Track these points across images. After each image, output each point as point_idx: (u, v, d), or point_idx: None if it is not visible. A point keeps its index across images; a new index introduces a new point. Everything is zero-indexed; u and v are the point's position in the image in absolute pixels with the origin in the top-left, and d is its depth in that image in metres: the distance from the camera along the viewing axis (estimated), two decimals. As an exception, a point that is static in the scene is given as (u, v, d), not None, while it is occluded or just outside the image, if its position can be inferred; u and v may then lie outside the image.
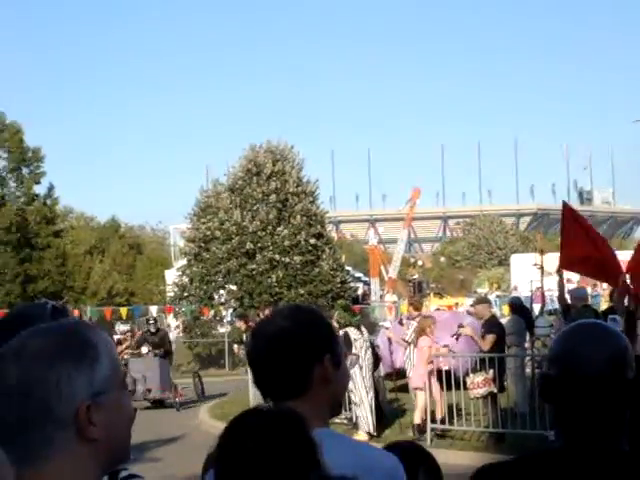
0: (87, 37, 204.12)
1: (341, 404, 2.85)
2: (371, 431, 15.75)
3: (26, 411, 1.74)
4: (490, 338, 15.18)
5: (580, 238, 13.50)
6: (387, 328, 20.06)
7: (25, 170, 50.21)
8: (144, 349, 23.79)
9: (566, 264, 14.35)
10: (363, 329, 17.22)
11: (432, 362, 15.64)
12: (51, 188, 51.18)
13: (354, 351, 16.09)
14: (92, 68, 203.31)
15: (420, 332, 15.93)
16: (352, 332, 16.53)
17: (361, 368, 16.10)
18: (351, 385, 16.01)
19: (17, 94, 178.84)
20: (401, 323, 18.32)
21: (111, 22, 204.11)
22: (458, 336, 16.10)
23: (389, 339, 18.51)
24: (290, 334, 2.67)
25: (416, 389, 15.85)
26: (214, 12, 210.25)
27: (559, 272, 14.66)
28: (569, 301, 14.92)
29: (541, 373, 2.85)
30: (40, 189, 50.86)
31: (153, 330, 24.45)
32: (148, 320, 26.02)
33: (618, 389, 2.39)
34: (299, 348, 2.64)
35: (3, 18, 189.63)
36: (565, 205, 14.62)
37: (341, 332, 16.55)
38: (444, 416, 15.54)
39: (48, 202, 51.20)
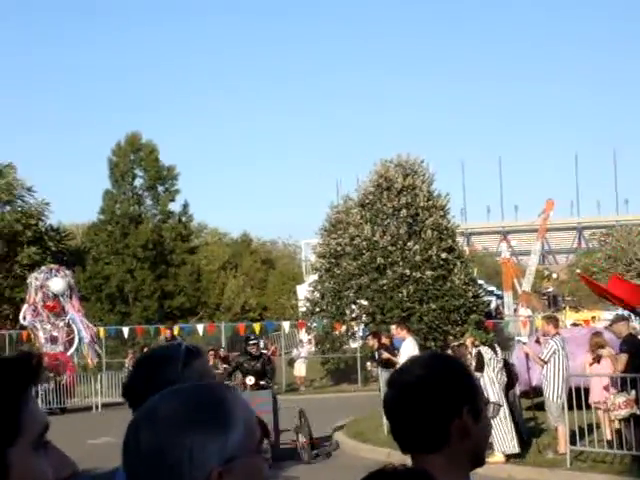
0: (214, 53, 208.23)
1: (484, 455, 2.67)
2: (507, 451, 15.44)
3: (158, 477, 1.74)
4: (622, 358, 14.73)
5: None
6: (524, 343, 19.52)
7: (160, 188, 51.54)
8: (249, 380, 18.22)
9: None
10: (497, 347, 16.90)
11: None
12: (186, 205, 52.44)
13: (487, 370, 15.87)
14: (221, 84, 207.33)
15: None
16: (485, 352, 16.24)
17: (494, 385, 15.87)
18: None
19: (151, 113, 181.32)
20: (538, 342, 17.80)
21: (242, 41, 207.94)
22: (599, 358, 15.66)
23: (526, 355, 18.08)
24: (428, 385, 2.56)
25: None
26: (343, 31, 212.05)
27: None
28: None
29: None
30: (175, 206, 52.11)
31: (255, 353, 18.89)
32: (248, 339, 20.17)
33: None
34: (437, 400, 2.52)
35: (134, 38, 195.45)
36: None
37: (474, 351, 16.30)
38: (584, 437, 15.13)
39: (183, 219, 52.36)
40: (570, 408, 15.33)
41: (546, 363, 15.78)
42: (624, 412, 14.01)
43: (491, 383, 15.91)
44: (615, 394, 14.49)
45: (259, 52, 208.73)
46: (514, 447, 15.59)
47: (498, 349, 16.92)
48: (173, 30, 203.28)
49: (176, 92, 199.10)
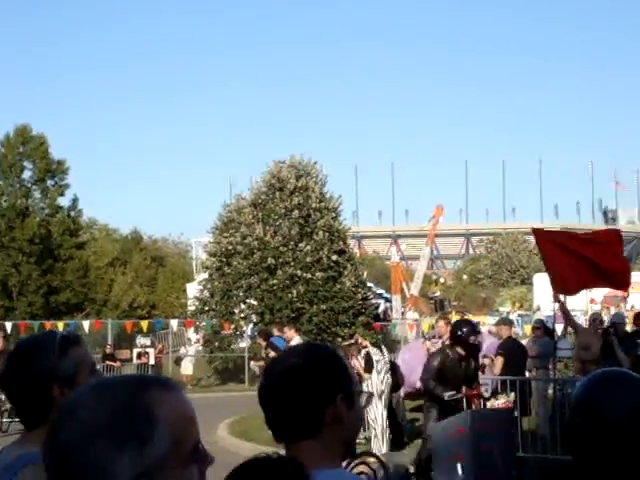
0: (108, 49, 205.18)
1: (354, 444, 2.74)
2: (381, 452, 15.62)
3: (63, 476, 1.66)
4: (499, 360, 15.08)
5: (560, 256, 13.46)
6: (429, 339, 19.57)
7: (50, 182, 50.54)
8: None
9: (561, 288, 14.30)
10: (384, 349, 17.09)
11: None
12: (75, 200, 51.52)
13: (375, 371, 16.04)
14: (115, 79, 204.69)
15: None
16: (374, 352, 16.41)
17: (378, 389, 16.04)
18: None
19: (41, 106, 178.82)
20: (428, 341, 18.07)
21: (136, 33, 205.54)
22: (483, 368, 15.97)
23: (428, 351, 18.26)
24: (302, 372, 2.59)
25: None
26: (237, 26, 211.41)
27: (556, 299, 14.66)
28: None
29: (565, 421, 2.76)
30: (64, 201, 51.22)
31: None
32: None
33: None
34: (311, 387, 2.56)
35: (23, 29, 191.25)
36: (535, 231, 14.70)
37: (363, 352, 16.46)
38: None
39: (72, 214, 51.50)
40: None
41: None
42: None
43: (377, 384, 16.09)
44: (495, 396, 14.80)
45: (151, 40, 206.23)
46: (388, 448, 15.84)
47: (385, 351, 17.09)
48: (62, 19, 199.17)
49: (67, 84, 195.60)
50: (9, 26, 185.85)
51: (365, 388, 15.89)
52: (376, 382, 16.05)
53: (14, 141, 49.45)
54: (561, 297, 15.43)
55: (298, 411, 2.56)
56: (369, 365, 16.11)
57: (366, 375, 15.98)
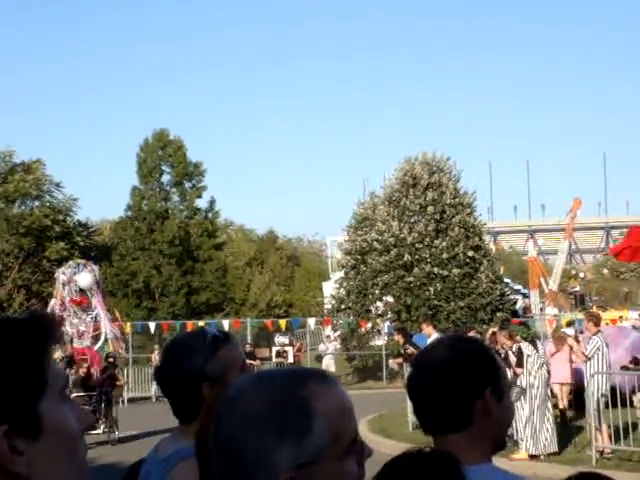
0: (243, 50, 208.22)
1: (505, 438, 2.71)
2: (532, 452, 15.39)
3: (225, 469, 1.72)
4: None
5: None
6: (570, 336, 19.22)
7: (187, 184, 51.62)
8: None
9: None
10: (539, 345, 16.74)
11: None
12: (212, 202, 52.49)
13: (528, 367, 15.82)
14: (248, 81, 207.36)
15: None
16: (526, 348, 16.15)
17: (532, 386, 15.82)
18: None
19: (179, 110, 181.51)
20: (577, 340, 17.65)
21: (273, 39, 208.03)
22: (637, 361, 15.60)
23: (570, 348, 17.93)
24: (452, 365, 2.59)
25: None
26: (362, 26, 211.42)
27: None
28: None
29: None
30: (202, 203, 52.23)
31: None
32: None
33: None
34: (460, 380, 2.56)
35: (155, 30, 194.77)
36: None
37: (514, 347, 16.24)
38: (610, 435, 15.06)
39: (209, 215, 52.42)
40: (607, 406, 15.30)
41: (589, 359, 15.71)
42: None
43: (529, 379, 15.89)
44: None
45: (283, 50, 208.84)
46: (548, 446, 15.56)
47: (540, 345, 16.78)
48: (198, 29, 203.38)
49: (204, 89, 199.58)
50: (142, 29, 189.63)
51: (517, 383, 15.76)
52: (527, 378, 15.85)
53: (153, 146, 50.66)
54: None
55: (447, 403, 2.55)
56: (520, 360, 15.90)
57: (518, 370, 15.80)
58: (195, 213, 51.65)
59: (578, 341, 17.10)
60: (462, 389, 2.55)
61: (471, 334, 17.19)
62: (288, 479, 1.65)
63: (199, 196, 51.93)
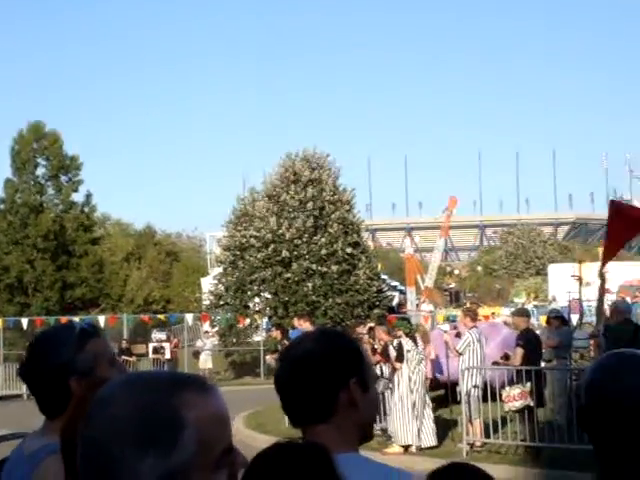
0: (122, 45, 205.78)
1: (372, 428, 2.76)
2: (407, 443, 15.63)
3: (89, 471, 1.66)
4: (518, 351, 15.06)
5: (626, 222, 13.37)
6: (445, 331, 19.53)
7: (64, 178, 50.66)
8: None
9: (610, 255, 14.24)
10: (419, 340, 16.96)
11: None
12: (89, 195, 51.59)
13: (407, 361, 16.01)
14: (128, 75, 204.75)
15: None
16: (406, 343, 16.31)
17: (410, 380, 16.02)
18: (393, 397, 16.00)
19: (55, 102, 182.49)
20: (458, 335, 17.95)
21: (150, 34, 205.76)
22: (507, 357, 15.97)
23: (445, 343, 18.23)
24: (314, 357, 2.63)
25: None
26: (259, 24, 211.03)
27: (601, 275, 14.47)
28: (607, 314, 14.75)
29: (578, 403, 2.79)
30: (78, 197, 51.32)
31: None
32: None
33: None
34: (324, 372, 2.59)
35: (36, 26, 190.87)
36: (613, 202, 14.59)
37: (395, 342, 16.41)
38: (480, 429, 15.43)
39: (85, 209, 51.57)
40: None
41: (461, 355, 16.01)
42: (518, 403, 14.29)
43: (408, 374, 16.08)
44: (510, 386, 14.81)
45: (168, 40, 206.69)
46: (428, 440, 15.83)
47: (420, 341, 17.00)
48: (79, 18, 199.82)
49: (81, 80, 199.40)
50: (22, 24, 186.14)
51: (396, 379, 15.96)
52: (407, 373, 16.05)
53: (28, 138, 49.56)
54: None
55: (311, 395, 2.59)
56: (400, 355, 16.07)
57: (398, 365, 15.98)
58: (71, 207, 50.69)
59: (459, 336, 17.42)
60: (325, 380, 2.59)
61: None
62: None
63: (75, 190, 50.96)
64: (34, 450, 2.92)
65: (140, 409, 1.64)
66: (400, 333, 16.59)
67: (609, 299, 21.46)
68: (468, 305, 42.94)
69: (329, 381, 2.59)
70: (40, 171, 50.28)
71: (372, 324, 21.37)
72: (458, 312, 18.36)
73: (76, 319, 33.64)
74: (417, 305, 55.02)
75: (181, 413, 1.64)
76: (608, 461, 2.36)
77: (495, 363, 16.85)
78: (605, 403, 2.34)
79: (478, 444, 15.25)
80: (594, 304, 17.33)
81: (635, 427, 2.29)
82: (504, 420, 15.35)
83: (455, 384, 16.88)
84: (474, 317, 17.29)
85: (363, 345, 3.19)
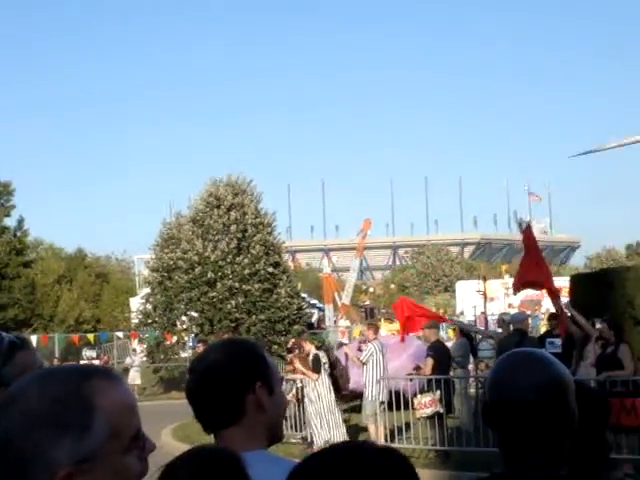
0: (52, 64, 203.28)
1: (280, 429, 2.80)
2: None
3: (12, 460, 1.62)
4: (429, 362, 15.25)
5: (535, 262, 13.71)
6: (345, 344, 19.80)
7: (-4, 203, 49.73)
8: None
9: (520, 285, 14.54)
10: (324, 353, 17.10)
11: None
12: (21, 220, 50.75)
13: (323, 371, 16.08)
14: (59, 101, 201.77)
15: None
16: (322, 356, 16.41)
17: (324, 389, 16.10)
18: (311, 406, 16.03)
19: None
20: (360, 349, 18.10)
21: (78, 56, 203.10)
22: (418, 368, 16.16)
23: (345, 355, 18.37)
24: (220, 366, 2.66)
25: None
26: (184, 54, 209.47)
27: (516, 292, 14.75)
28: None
29: (481, 399, 2.88)
30: (10, 221, 50.44)
31: None
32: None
33: (552, 416, 2.31)
34: (228, 379, 2.62)
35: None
36: (528, 228, 14.97)
37: (312, 355, 16.47)
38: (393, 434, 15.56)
39: (18, 234, 50.70)
40: (391, 408, 15.74)
41: (364, 364, 16.14)
42: (429, 410, 14.45)
43: (322, 384, 16.15)
44: (422, 394, 14.97)
45: (99, 63, 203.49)
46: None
47: (325, 355, 17.09)
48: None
49: (13, 107, 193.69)
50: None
51: (311, 389, 16.01)
52: (326, 382, 16.12)
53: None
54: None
55: (219, 401, 2.60)
56: (317, 366, 16.13)
57: (314, 376, 16.03)
58: (3, 232, 49.86)
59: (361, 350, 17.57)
60: (231, 386, 2.61)
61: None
62: (65, 476, 1.60)
63: (7, 215, 50.20)
64: None
65: (52, 400, 1.63)
66: (312, 346, 16.73)
67: (509, 313, 21.87)
68: (382, 321, 43.32)
69: (235, 386, 2.61)
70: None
71: (294, 339, 21.45)
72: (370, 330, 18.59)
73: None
74: (335, 321, 55.17)
75: (92, 400, 1.65)
76: (511, 453, 2.38)
77: (409, 374, 17.05)
78: (504, 398, 2.36)
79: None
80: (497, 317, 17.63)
81: (531, 419, 2.32)
82: (409, 426, 15.53)
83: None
84: (376, 330, 17.60)
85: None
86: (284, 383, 17.25)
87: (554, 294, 14.11)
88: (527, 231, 15.00)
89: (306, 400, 16.38)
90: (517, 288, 14.94)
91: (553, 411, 2.31)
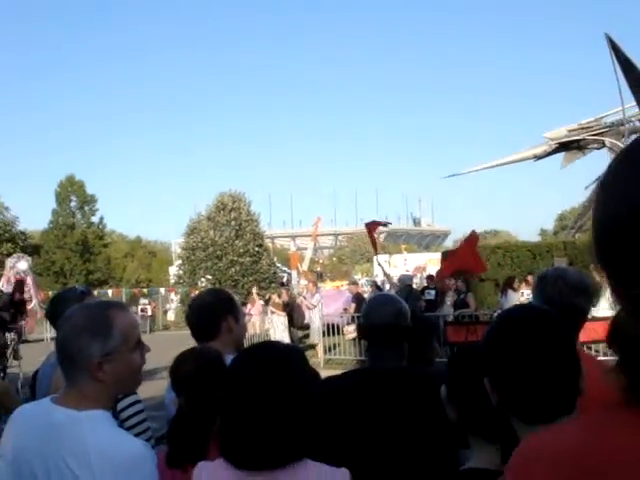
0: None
1: (242, 344, 2.82)
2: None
3: (65, 356, 1.79)
4: (352, 305, 15.20)
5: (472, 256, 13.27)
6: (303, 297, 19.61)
7: (86, 208, 48.92)
8: None
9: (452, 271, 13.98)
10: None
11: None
12: (102, 218, 50.30)
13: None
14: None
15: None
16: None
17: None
18: (273, 333, 15.90)
19: (83, 158, 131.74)
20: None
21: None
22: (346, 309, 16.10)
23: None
24: (206, 304, 2.77)
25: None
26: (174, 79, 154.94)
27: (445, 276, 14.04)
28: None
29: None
30: (95, 219, 49.80)
31: None
32: None
33: (396, 332, 2.33)
34: (210, 311, 2.71)
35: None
36: (473, 233, 14.17)
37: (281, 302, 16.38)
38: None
39: (100, 226, 50.15)
40: (329, 334, 15.58)
41: (315, 307, 16.04)
42: (353, 335, 14.22)
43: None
44: (348, 324, 14.83)
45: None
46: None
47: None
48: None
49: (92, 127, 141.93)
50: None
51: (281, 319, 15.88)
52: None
53: (65, 184, 47.73)
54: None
55: (205, 324, 2.70)
56: (283, 308, 16.17)
57: (282, 313, 15.97)
58: (90, 225, 49.16)
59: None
60: (212, 315, 2.70)
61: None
62: (98, 363, 1.75)
63: (93, 214, 49.49)
64: (54, 360, 2.91)
65: (88, 319, 1.78)
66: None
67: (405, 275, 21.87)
68: (328, 281, 43.24)
69: (214, 316, 2.69)
70: (72, 204, 48.79)
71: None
72: (320, 284, 18.80)
73: (95, 292, 32.60)
74: (298, 281, 54.97)
75: (111, 320, 1.79)
76: (375, 354, 2.39)
77: (343, 312, 16.99)
78: (371, 321, 2.40)
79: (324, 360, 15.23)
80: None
81: (387, 332, 2.34)
82: (344, 344, 15.45)
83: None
84: (315, 284, 17.61)
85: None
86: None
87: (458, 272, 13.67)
88: (473, 236, 13.93)
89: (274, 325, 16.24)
90: (449, 272, 13.75)
91: (398, 327, 2.34)
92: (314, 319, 15.81)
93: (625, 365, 0.78)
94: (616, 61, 19.08)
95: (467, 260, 13.02)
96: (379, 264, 15.12)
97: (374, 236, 14.08)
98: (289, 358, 1.75)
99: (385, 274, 15.14)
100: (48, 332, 26.43)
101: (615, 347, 0.80)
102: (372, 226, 14.00)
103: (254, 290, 21.84)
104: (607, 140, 21.90)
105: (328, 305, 17.48)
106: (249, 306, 19.65)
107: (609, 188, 0.81)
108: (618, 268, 0.78)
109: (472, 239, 13.62)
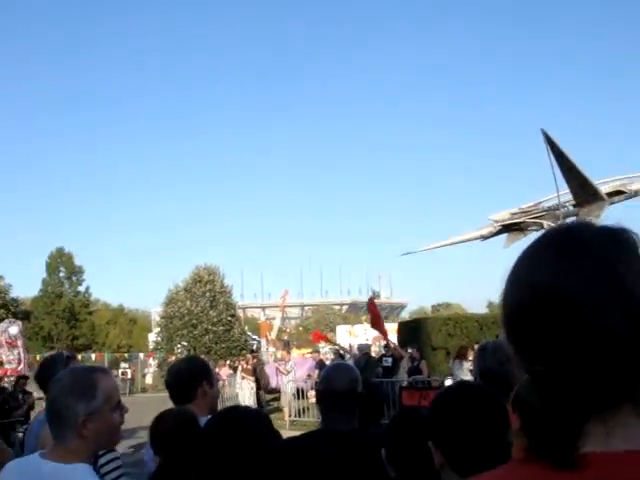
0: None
1: (215, 407, 2.76)
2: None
3: (54, 413, 1.79)
4: (316, 372, 14.96)
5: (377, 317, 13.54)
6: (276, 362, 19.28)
7: (73, 278, 48.02)
8: None
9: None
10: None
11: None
12: (88, 287, 49.40)
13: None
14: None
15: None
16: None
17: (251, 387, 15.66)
18: (242, 397, 15.52)
19: (71, 230, 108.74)
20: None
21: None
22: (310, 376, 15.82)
23: (277, 369, 17.80)
24: (184, 368, 2.78)
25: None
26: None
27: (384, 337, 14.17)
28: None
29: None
30: (81, 288, 48.73)
31: None
32: None
33: (350, 397, 2.35)
34: (187, 378, 2.69)
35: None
36: (371, 299, 14.70)
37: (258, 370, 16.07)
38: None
39: (86, 295, 49.14)
40: (298, 397, 15.15)
41: (288, 372, 15.73)
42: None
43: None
44: (312, 389, 14.54)
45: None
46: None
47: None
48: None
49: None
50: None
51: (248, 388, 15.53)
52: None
53: (55, 255, 46.94)
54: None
55: (182, 390, 2.67)
56: (252, 373, 15.83)
57: (252, 377, 15.67)
58: (77, 294, 48.19)
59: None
60: (189, 381, 2.67)
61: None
62: (82, 422, 1.75)
63: (80, 284, 48.65)
64: (42, 418, 2.90)
65: (76, 382, 1.80)
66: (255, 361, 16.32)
67: (363, 344, 21.67)
68: (294, 349, 42.70)
69: (191, 382, 2.66)
70: (61, 274, 47.85)
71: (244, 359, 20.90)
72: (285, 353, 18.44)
73: (79, 356, 31.52)
74: (267, 349, 54.08)
75: (96, 383, 1.80)
76: (328, 417, 2.38)
77: (306, 379, 16.70)
78: (328, 387, 2.39)
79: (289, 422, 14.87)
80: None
81: (340, 398, 2.33)
82: (310, 408, 15.10)
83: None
84: (289, 352, 17.38)
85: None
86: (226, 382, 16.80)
87: (385, 335, 13.97)
88: (371, 302, 14.59)
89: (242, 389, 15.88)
90: (384, 333, 13.85)
91: (351, 393, 2.34)
92: (286, 384, 15.53)
93: (525, 428, 0.80)
94: (551, 153, 20.08)
95: (379, 323, 13.45)
96: (335, 343, 15.12)
97: (377, 310, 14.06)
98: (255, 423, 1.82)
99: (341, 347, 15.16)
100: (35, 393, 25.28)
101: (517, 411, 0.83)
102: (372, 304, 14.16)
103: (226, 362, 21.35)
104: (545, 223, 22.60)
105: (298, 369, 17.22)
106: (217, 369, 19.20)
107: (513, 276, 0.84)
108: (521, 347, 0.81)
109: (370, 305, 14.14)
